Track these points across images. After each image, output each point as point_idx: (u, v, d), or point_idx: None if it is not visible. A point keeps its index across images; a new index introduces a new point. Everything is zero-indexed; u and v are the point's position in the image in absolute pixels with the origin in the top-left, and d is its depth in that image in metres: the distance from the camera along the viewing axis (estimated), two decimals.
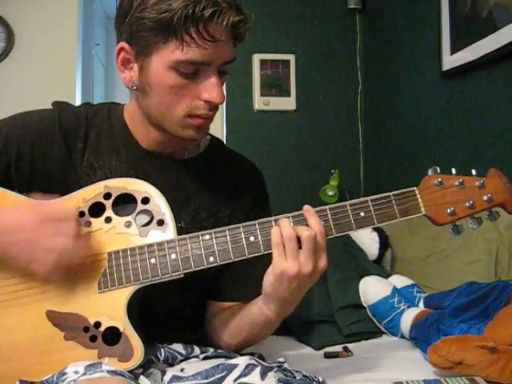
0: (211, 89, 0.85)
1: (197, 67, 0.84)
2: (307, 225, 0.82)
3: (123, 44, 0.87)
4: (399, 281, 1.65)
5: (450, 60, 1.98)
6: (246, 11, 0.85)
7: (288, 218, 0.83)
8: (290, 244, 0.79)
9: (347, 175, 2.79)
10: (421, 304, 1.54)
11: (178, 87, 0.85)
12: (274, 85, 2.82)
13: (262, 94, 2.81)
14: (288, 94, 2.84)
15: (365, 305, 1.62)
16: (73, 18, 3.09)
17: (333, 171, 2.69)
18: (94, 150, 0.95)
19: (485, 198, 0.82)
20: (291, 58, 2.84)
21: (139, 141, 0.97)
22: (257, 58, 2.79)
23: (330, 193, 2.61)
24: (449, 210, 0.83)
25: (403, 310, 1.51)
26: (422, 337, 1.34)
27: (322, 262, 0.81)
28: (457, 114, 2.01)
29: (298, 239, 0.80)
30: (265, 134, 2.82)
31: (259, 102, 2.81)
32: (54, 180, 0.93)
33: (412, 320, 1.45)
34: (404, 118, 2.46)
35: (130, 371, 0.78)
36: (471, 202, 0.82)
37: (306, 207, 0.84)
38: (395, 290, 1.58)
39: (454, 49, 1.95)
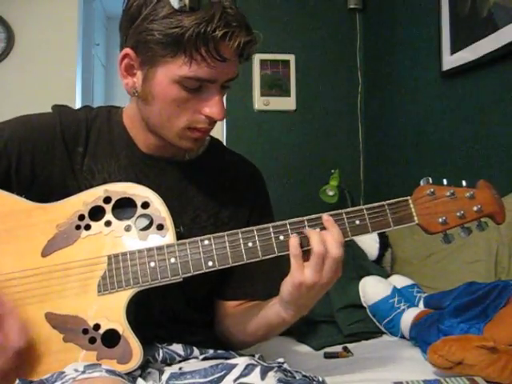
0: (213, 105, 0.86)
1: (201, 83, 0.85)
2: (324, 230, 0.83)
3: (128, 50, 0.87)
4: (399, 281, 1.65)
5: (450, 60, 1.98)
6: (254, 31, 0.85)
7: (311, 226, 0.83)
8: (317, 260, 0.81)
9: (347, 175, 2.79)
10: (421, 304, 1.54)
11: (181, 101, 0.86)
12: (274, 85, 2.82)
13: (262, 94, 2.81)
14: (288, 94, 2.84)
15: (365, 305, 1.62)
16: (73, 18, 3.09)
17: (333, 171, 2.69)
18: (93, 154, 0.96)
19: (475, 208, 0.85)
20: (291, 58, 2.84)
21: (138, 144, 0.97)
22: (257, 58, 2.79)
23: (330, 193, 2.61)
24: (440, 220, 0.85)
25: (403, 310, 1.51)
26: (422, 337, 1.34)
27: (340, 272, 0.84)
28: (457, 113, 2.01)
29: None
30: (265, 134, 2.83)
31: (259, 102, 2.81)
32: (53, 184, 0.93)
33: (412, 320, 1.45)
34: (404, 117, 2.46)
35: (128, 373, 0.79)
36: (462, 212, 0.85)
37: (326, 217, 0.84)
38: (395, 290, 1.58)
39: (454, 49, 1.95)
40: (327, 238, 0.82)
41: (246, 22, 0.84)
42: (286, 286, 0.84)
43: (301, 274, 0.81)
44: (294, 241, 0.82)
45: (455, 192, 0.86)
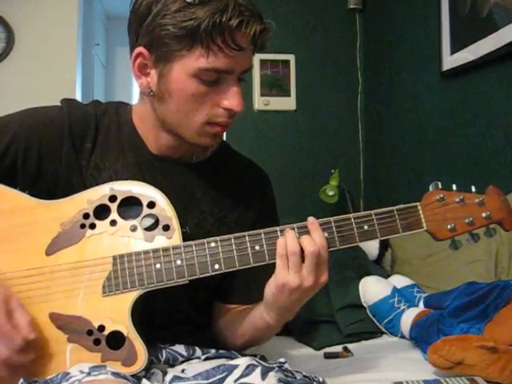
0: (232, 97, 0.86)
1: (219, 75, 0.84)
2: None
3: (141, 49, 0.86)
4: (399, 281, 1.65)
5: (450, 60, 1.98)
6: (266, 20, 0.85)
7: (293, 229, 0.83)
8: (293, 258, 0.80)
9: (347, 175, 2.78)
10: (421, 304, 1.54)
11: (199, 95, 0.85)
12: (274, 85, 2.82)
13: (262, 94, 2.81)
14: (288, 94, 2.84)
15: (365, 305, 1.62)
16: (73, 18, 3.09)
17: (333, 171, 2.69)
18: (101, 151, 0.95)
19: (484, 215, 0.84)
20: (291, 58, 2.83)
21: (148, 144, 0.96)
22: (257, 58, 2.78)
23: (330, 193, 2.61)
24: (449, 226, 0.84)
25: (403, 310, 1.51)
26: (422, 337, 1.34)
27: (324, 277, 0.82)
28: (457, 113, 2.01)
29: (303, 251, 0.80)
30: (265, 133, 2.82)
31: (259, 102, 2.81)
32: (59, 179, 0.92)
33: (412, 320, 1.45)
34: (404, 117, 2.46)
35: (133, 374, 0.78)
36: (471, 219, 0.84)
37: (311, 220, 0.84)
38: (395, 290, 1.58)
39: (454, 49, 1.95)
40: (306, 241, 0.81)
41: (258, 11, 0.84)
42: (270, 286, 0.84)
43: (284, 274, 0.80)
44: (281, 241, 0.81)
45: (464, 198, 0.84)
